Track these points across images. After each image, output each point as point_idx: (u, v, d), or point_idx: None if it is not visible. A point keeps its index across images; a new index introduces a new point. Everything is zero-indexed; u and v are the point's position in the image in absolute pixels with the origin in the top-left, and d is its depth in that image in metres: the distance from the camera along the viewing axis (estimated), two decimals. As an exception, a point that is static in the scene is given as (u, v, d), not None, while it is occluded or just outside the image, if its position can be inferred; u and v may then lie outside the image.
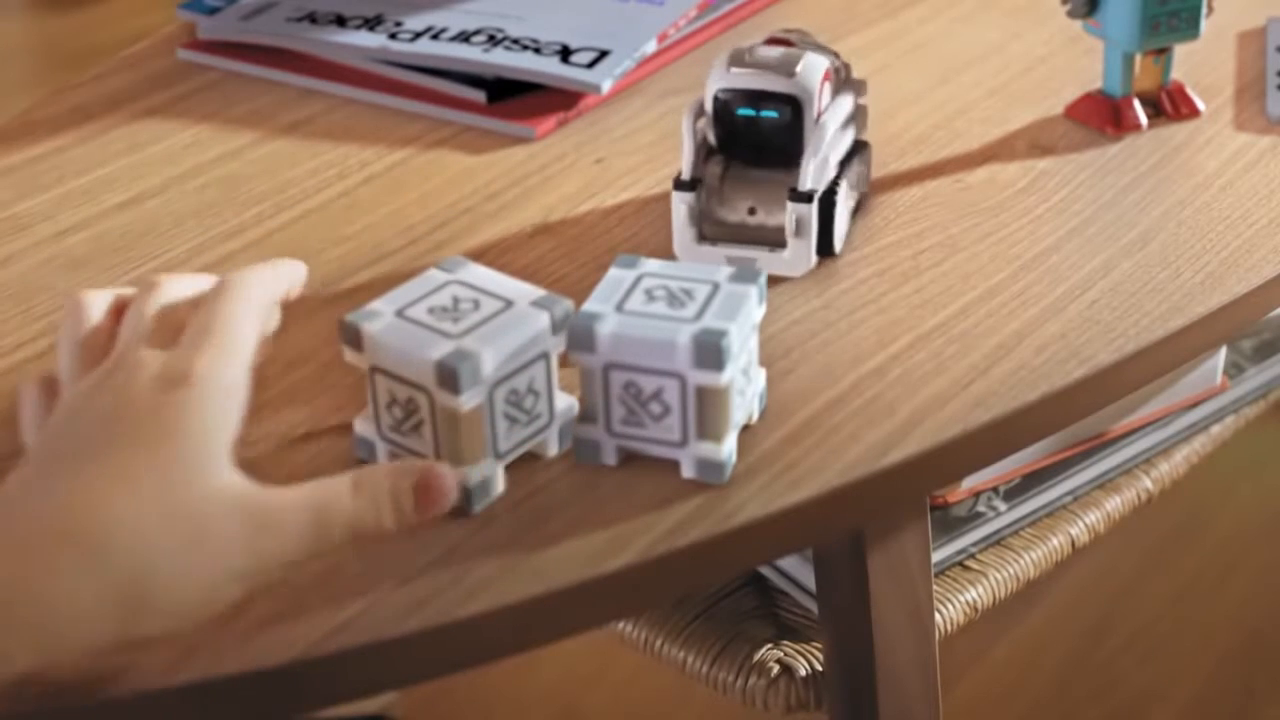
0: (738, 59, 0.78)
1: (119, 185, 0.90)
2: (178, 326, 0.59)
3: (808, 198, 0.76)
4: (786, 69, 0.77)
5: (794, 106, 0.76)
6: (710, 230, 0.79)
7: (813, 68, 0.77)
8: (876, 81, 0.99)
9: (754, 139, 0.78)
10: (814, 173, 0.77)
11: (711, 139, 0.79)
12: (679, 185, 0.78)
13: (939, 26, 1.07)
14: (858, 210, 0.83)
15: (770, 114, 0.77)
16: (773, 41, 0.80)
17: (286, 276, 0.63)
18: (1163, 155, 0.89)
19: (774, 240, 0.78)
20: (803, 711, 0.84)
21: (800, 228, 0.77)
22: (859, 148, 0.83)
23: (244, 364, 0.57)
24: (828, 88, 0.78)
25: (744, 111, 0.77)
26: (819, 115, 0.77)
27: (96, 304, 0.62)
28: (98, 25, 2.89)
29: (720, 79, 0.78)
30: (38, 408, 0.61)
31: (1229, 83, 0.97)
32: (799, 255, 0.77)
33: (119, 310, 0.62)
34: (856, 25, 1.07)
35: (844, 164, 0.80)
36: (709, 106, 0.78)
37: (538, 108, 0.96)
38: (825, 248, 0.78)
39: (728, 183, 0.78)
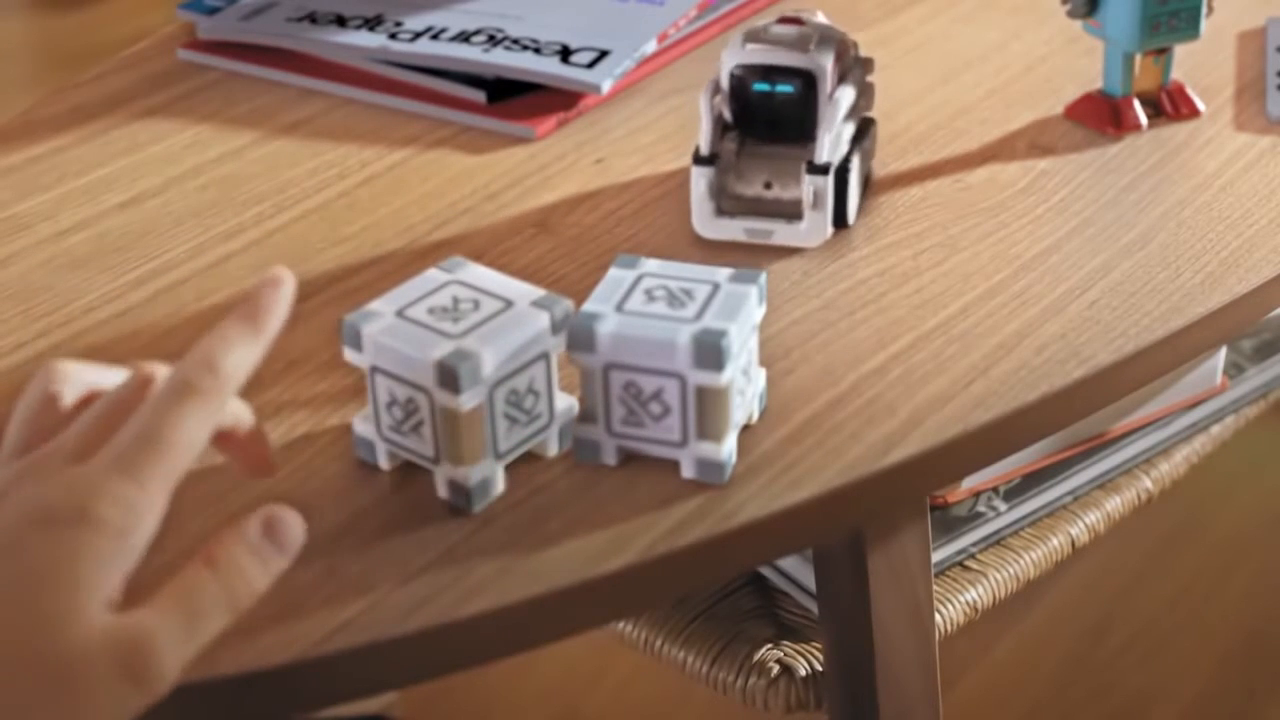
0: (753, 36, 0.80)
1: (119, 185, 0.90)
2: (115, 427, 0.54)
3: (824, 170, 0.78)
4: (801, 45, 0.79)
5: (807, 81, 0.79)
6: (728, 205, 0.81)
7: (825, 44, 0.80)
8: (876, 81, 0.99)
9: (769, 114, 0.80)
10: (829, 146, 0.79)
11: (727, 115, 0.81)
12: (698, 160, 0.80)
13: (939, 26, 1.07)
14: (865, 185, 0.85)
15: (785, 89, 0.79)
16: (785, 21, 0.82)
17: (264, 333, 0.56)
18: (1163, 155, 0.89)
19: (790, 213, 0.80)
20: (803, 711, 0.84)
21: (817, 200, 0.79)
22: (866, 124, 0.85)
23: (164, 490, 0.52)
24: (838, 65, 0.81)
25: (759, 87, 0.79)
26: (832, 91, 0.79)
27: (69, 380, 0.58)
28: (98, 25, 2.89)
29: (736, 55, 0.80)
30: None
31: (1229, 83, 0.97)
32: (815, 226, 0.79)
33: (87, 399, 0.58)
34: (856, 25, 1.07)
35: (854, 140, 0.83)
36: (724, 83, 0.80)
37: (538, 108, 0.96)
38: (840, 220, 0.81)
39: (744, 158, 0.80)
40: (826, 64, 0.79)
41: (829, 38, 0.81)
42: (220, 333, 0.55)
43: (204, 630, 0.52)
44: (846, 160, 0.81)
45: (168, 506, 0.52)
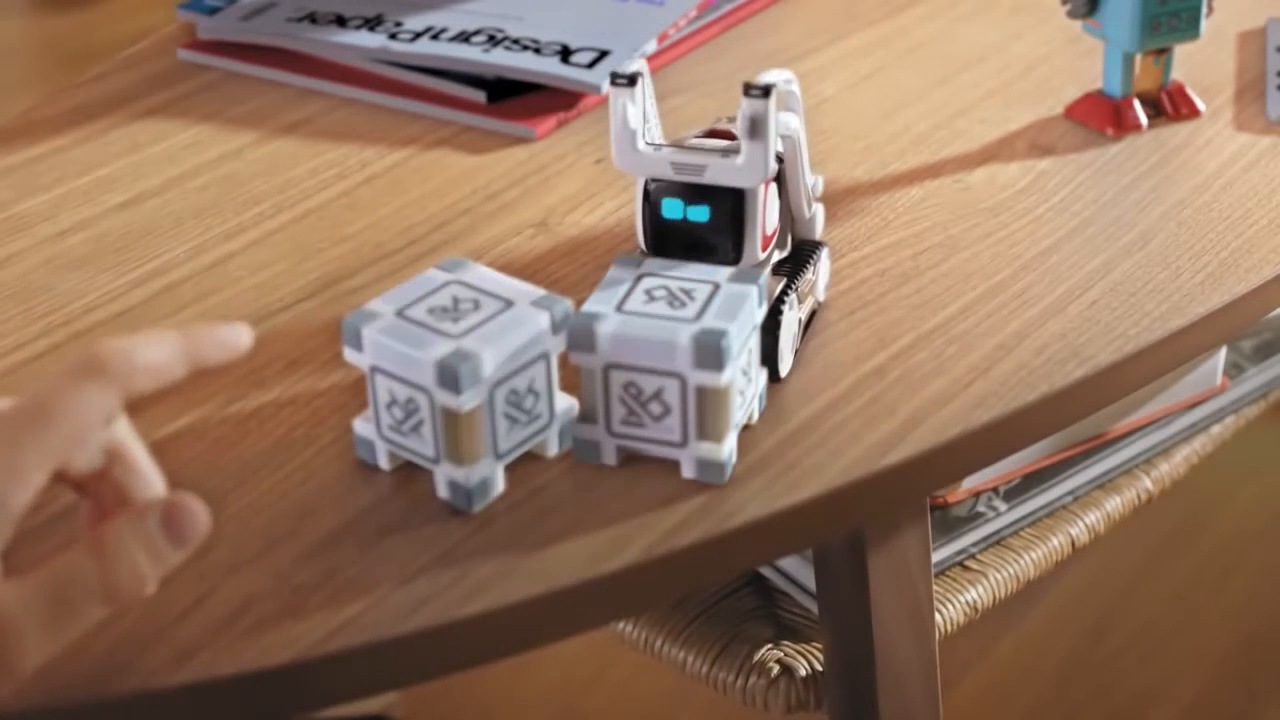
0: (675, 146, 0.70)
1: (119, 185, 0.90)
2: None
3: (765, 92, 0.66)
4: (725, 159, 0.68)
5: (735, 199, 0.68)
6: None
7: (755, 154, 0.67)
8: (876, 81, 0.99)
9: (684, 238, 0.69)
10: (773, 75, 0.68)
11: (641, 240, 0.70)
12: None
13: (939, 26, 1.07)
14: (810, 324, 0.74)
15: (699, 212, 0.69)
16: (715, 134, 0.71)
17: (196, 355, 0.54)
18: (1163, 155, 0.89)
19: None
20: (803, 711, 0.84)
21: (755, 128, 0.67)
22: (813, 249, 0.75)
23: (40, 464, 0.49)
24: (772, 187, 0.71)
25: (670, 209, 0.69)
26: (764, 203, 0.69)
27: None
28: (98, 25, 2.89)
29: (651, 165, 0.69)
30: None
31: (1229, 83, 0.97)
32: (754, 160, 0.67)
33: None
34: (856, 25, 1.07)
35: (793, 269, 0.72)
36: (638, 199, 0.70)
37: (538, 108, 0.96)
38: (770, 371, 0.69)
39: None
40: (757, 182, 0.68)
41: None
42: (155, 334, 0.53)
43: (72, 622, 0.50)
44: (779, 301, 0.69)
45: (44, 483, 0.50)
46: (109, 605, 0.50)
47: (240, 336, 0.55)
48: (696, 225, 0.69)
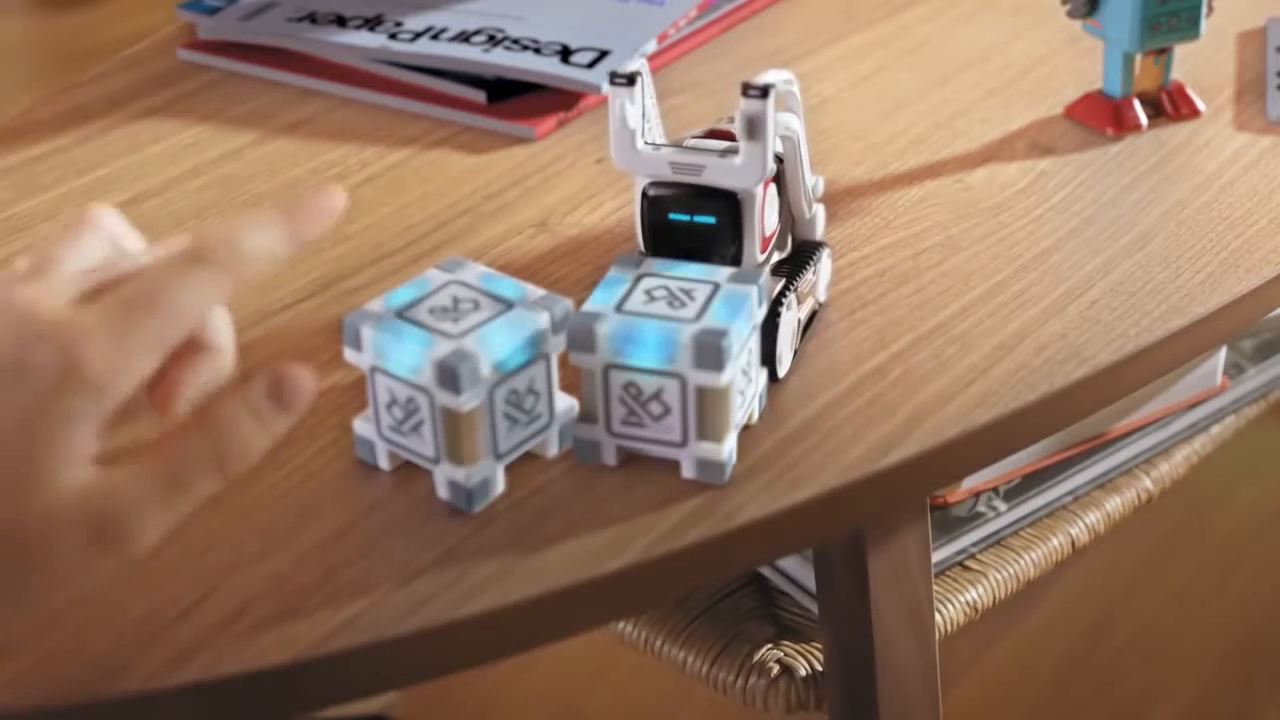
0: (675, 149, 0.69)
1: (119, 185, 0.90)
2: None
3: (763, 92, 0.66)
4: (726, 161, 0.68)
5: (732, 205, 0.68)
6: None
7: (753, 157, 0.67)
8: (876, 81, 0.99)
9: (688, 242, 0.69)
10: (771, 74, 0.68)
11: (640, 243, 0.70)
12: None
13: (939, 26, 1.07)
14: (810, 324, 0.74)
15: (705, 220, 0.68)
16: (715, 134, 0.71)
17: (299, 232, 0.54)
18: (1163, 155, 0.89)
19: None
20: (803, 711, 0.84)
21: (753, 128, 0.67)
22: (814, 250, 0.75)
23: (151, 352, 0.50)
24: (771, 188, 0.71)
25: (676, 216, 0.69)
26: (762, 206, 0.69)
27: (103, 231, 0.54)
28: (98, 25, 2.89)
29: (651, 167, 0.69)
30: None
31: (1229, 83, 0.97)
32: (752, 161, 0.67)
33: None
34: (856, 25, 1.07)
35: (792, 269, 0.72)
36: (637, 202, 0.70)
37: (538, 108, 0.96)
38: (769, 371, 0.69)
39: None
40: (755, 187, 0.68)
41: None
42: (254, 217, 0.53)
43: (189, 494, 0.50)
44: (778, 301, 0.69)
45: (150, 373, 0.50)
46: (223, 479, 0.51)
47: (334, 200, 0.55)
48: (699, 229, 0.69)
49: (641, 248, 0.70)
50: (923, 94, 0.97)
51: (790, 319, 0.70)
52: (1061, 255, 0.80)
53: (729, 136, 0.70)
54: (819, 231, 0.76)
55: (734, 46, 1.05)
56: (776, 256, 0.72)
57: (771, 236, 0.71)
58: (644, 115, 0.69)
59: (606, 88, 0.96)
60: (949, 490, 0.91)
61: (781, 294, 0.70)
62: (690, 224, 0.69)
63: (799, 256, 0.74)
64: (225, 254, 0.52)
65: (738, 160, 0.67)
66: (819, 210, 0.75)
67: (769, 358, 0.69)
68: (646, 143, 0.69)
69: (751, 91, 0.66)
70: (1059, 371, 0.71)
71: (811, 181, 0.75)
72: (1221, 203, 0.84)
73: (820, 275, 0.75)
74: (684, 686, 1.06)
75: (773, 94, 0.66)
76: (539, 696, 1.47)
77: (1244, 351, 1.06)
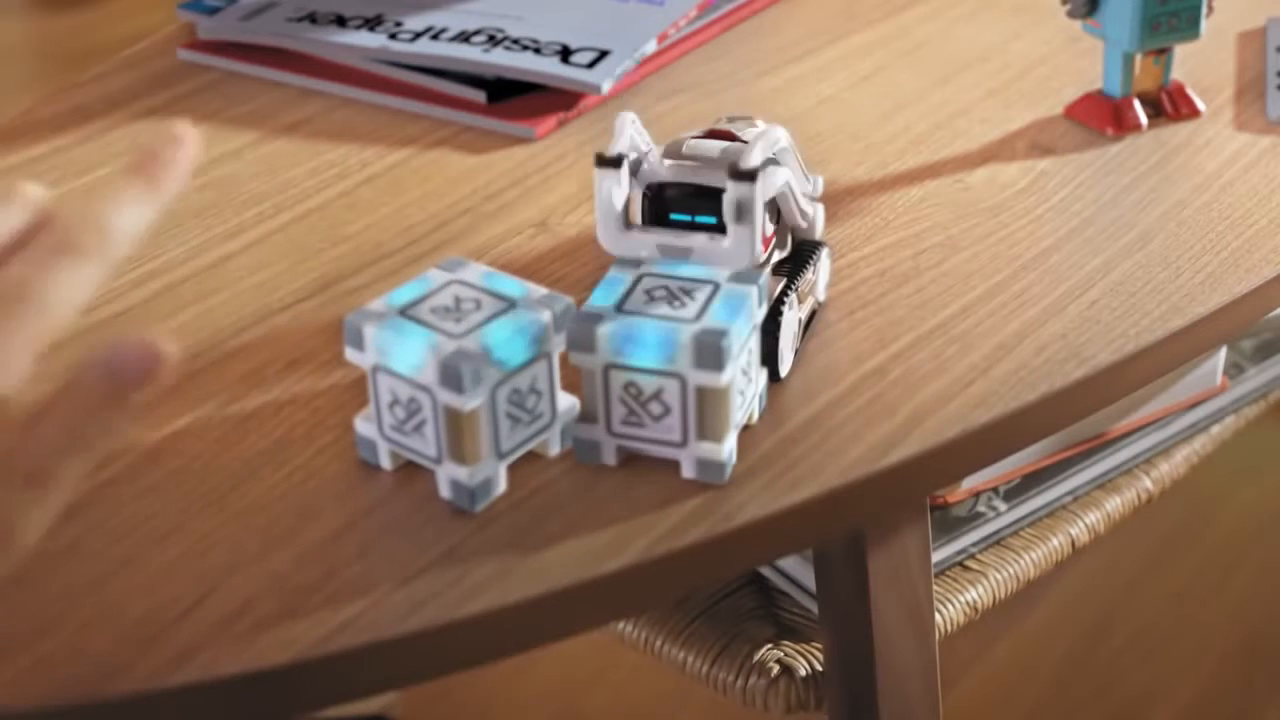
0: (673, 151, 0.70)
1: (119, 185, 0.90)
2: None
3: (750, 176, 0.65)
4: (726, 164, 0.68)
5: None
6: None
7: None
8: (877, 81, 0.99)
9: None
10: (759, 151, 0.67)
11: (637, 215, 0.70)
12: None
13: (939, 26, 1.07)
14: (810, 324, 0.74)
15: (706, 220, 0.68)
16: (714, 134, 0.71)
17: (160, 193, 0.52)
18: (1163, 155, 0.89)
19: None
20: (803, 711, 0.84)
21: (741, 212, 0.66)
22: (813, 249, 0.74)
23: (25, 350, 0.48)
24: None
25: (678, 217, 0.69)
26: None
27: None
28: (98, 25, 2.89)
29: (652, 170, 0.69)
30: None
31: (1229, 83, 0.97)
32: (740, 244, 0.67)
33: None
34: (856, 25, 1.07)
35: (793, 269, 0.72)
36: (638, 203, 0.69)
37: (538, 108, 0.96)
38: (770, 371, 0.69)
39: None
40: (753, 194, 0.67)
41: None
42: (113, 189, 0.51)
43: (59, 484, 0.48)
44: (779, 301, 0.69)
45: (30, 369, 0.48)
46: (90, 458, 0.49)
47: (184, 142, 0.53)
48: (699, 227, 0.68)
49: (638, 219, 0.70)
50: (923, 94, 0.97)
51: (791, 319, 0.70)
52: (1061, 255, 0.80)
53: (728, 136, 0.70)
54: (818, 231, 0.76)
55: (734, 46, 1.05)
56: (777, 256, 0.72)
57: (772, 236, 0.71)
58: (628, 189, 0.69)
59: (607, 88, 0.96)
60: (949, 490, 0.91)
61: (783, 294, 0.70)
62: (691, 224, 0.69)
63: (799, 256, 0.74)
64: (92, 239, 0.50)
65: (726, 243, 0.67)
66: (818, 210, 0.76)
67: (770, 357, 0.69)
68: (632, 225, 0.69)
69: (740, 175, 0.66)
70: (1059, 371, 0.71)
71: (811, 181, 0.75)
72: (1221, 203, 0.84)
73: (820, 275, 0.75)
74: (684, 686, 1.06)
75: (761, 177, 0.66)
76: (539, 696, 1.47)
77: (1244, 351, 1.06)
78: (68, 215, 0.50)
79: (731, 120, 0.71)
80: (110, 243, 0.50)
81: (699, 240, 0.68)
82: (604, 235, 0.69)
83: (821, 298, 0.76)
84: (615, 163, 0.68)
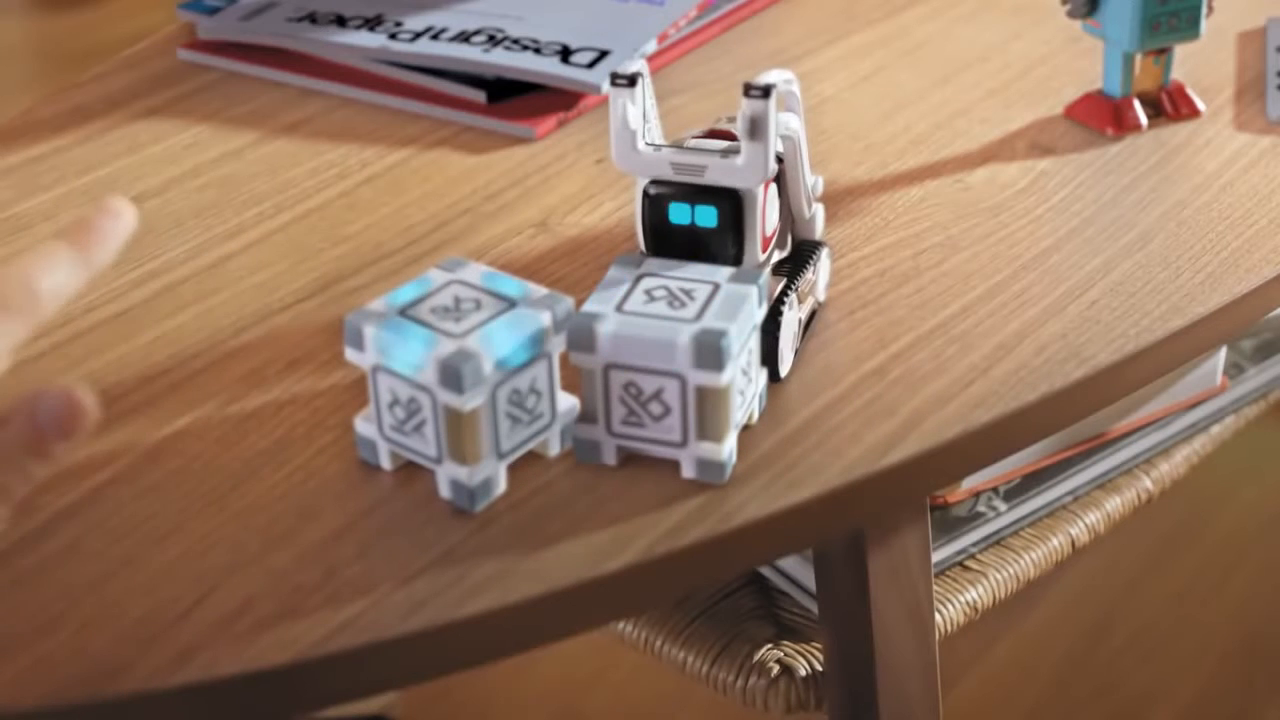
0: (676, 148, 0.69)
1: (119, 185, 0.90)
2: None
3: (765, 92, 0.66)
4: (727, 160, 0.68)
5: (734, 204, 0.68)
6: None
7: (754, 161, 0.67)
8: (876, 81, 1.00)
9: (688, 241, 0.69)
10: (775, 76, 0.67)
11: (641, 243, 0.70)
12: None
13: (939, 26, 1.07)
14: (810, 324, 0.74)
15: (707, 212, 0.68)
16: (715, 134, 0.71)
17: (91, 261, 0.52)
18: (1163, 155, 0.89)
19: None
20: (803, 711, 0.84)
21: (755, 128, 0.66)
22: (813, 249, 0.75)
23: None
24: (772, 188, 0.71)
25: (678, 213, 0.69)
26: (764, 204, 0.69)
27: None
28: (98, 25, 2.89)
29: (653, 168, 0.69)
30: None
31: (1229, 83, 0.97)
32: (754, 161, 0.67)
33: None
34: (856, 25, 1.07)
35: (793, 269, 0.72)
36: (638, 201, 0.69)
37: (538, 108, 0.96)
38: (770, 372, 0.70)
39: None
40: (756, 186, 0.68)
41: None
42: (45, 252, 0.52)
43: None
44: (780, 301, 0.70)
45: None
46: (6, 510, 0.49)
47: (121, 216, 0.54)
48: (700, 229, 0.68)
49: (642, 248, 0.70)
50: (923, 94, 0.97)
51: (791, 319, 0.70)
52: (1061, 255, 0.80)
53: (729, 136, 0.70)
54: (818, 231, 0.76)
55: (734, 46, 1.05)
56: (777, 256, 0.72)
57: (772, 236, 0.71)
58: (644, 116, 0.69)
59: (607, 88, 0.96)
60: (949, 490, 0.91)
61: (783, 294, 0.70)
62: (691, 224, 0.68)
63: (799, 256, 0.74)
64: (20, 299, 0.50)
65: (739, 160, 0.67)
66: (818, 210, 0.75)
67: (770, 357, 0.69)
68: (647, 143, 0.69)
69: (753, 92, 0.66)
70: (1059, 371, 0.71)
71: (811, 181, 0.75)
72: (1221, 203, 0.84)
73: (820, 275, 0.75)
74: (684, 686, 1.07)
75: (774, 94, 0.66)
76: (539, 696, 1.47)
77: (1244, 351, 1.06)
78: None
79: (731, 120, 0.71)
80: (37, 302, 0.51)
81: (713, 159, 0.67)
82: (618, 154, 0.69)
83: (821, 298, 0.76)
84: (631, 80, 0.68)
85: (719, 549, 0.62)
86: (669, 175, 0.68)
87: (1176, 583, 1.58)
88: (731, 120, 0.71)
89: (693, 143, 0.69)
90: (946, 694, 0.85)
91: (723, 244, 0.68)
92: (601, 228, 0.84)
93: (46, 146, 0.94)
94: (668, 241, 0.69)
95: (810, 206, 0.75)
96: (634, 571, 0.61)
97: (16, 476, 0.49)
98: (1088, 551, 0.97)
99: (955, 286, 0.77)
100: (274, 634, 0.57)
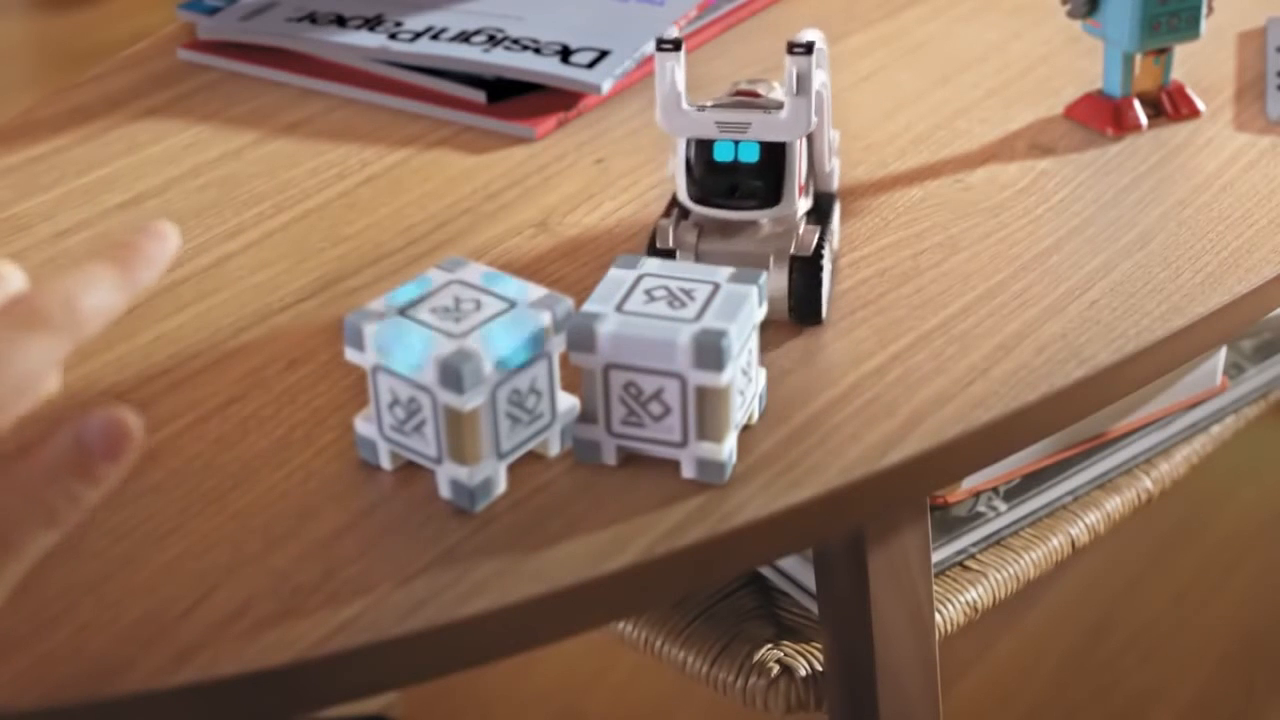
0: (716, 105, 0.74)
1: (119, 185, 0.90)
2: None
3: (808, 49, 0.71)
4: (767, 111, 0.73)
5: (773, 149, 0.72)
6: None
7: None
8: (877, 81, 1.00)
9: (731, 180, 0.73)
10: (811, 34, 0.73)
11: (682, 194, 0.74)
12: (654, 251, 0.74)
13: (939, 26, 1.07)
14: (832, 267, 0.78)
15: (750, 150, 0.72)
16: (742, 94, 0.75)
17: (134, 282, 0.53)
18: (1163, 155, 0.89)
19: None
20: (803, 711, 0.84)
21: (800, 83, 0.71)
22: (830, 201, 0.79)
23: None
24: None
25: (722, 152, 0.72)
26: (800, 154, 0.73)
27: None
28: (98, 25, 2.89)
29: (695, 124, 0.73)
30: None
31: (1229, 83, 0.97)
32: (798, 115, 0.71)
33: None
34: (856, 25, 1.07)
35: (820, 218, 0.76)
36: (681, 153, 0.73)
37: (538, 108, 0.96)
38: (814, 315, 0.74)
39: (703, 253, 0.74)
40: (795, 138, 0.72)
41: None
42: (87, 271, 0.51)
43: (19, 555, 0.48)
44: (819, 247, 0.73)
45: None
46: (55, 534, 0.49)
47: (166, 240, 0.54)
48: (742, 166, 0.72)
49: (683, 197, 0.73)
50: (923, 94, 0.97)
51: (829, 263, 0.74)
52: (1061, 255, 0.80)
53: (754, 95, 0.74)
54: (835, 183, 0.79)
55: (734, 46, 1.05)
56: (805, 205, 0.75)
57: (805, 185, 0.75)
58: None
59: (607, 87, 0.96)
60: (949, 490, 0.91)
61: (821, 239, 0.73)
62: (734, 160, 0.72)
63: (820, 208, 0.77)
64: (62, 316, 0.50)
65: (783, 114, 0.71)
66: (836, 163, 0.79)
67: (814, 301, 0.73)
68: (690, 105, 0.73)
69: (797, 49, 0.71)
70: (1059, 371, 0.71)
71: (831, 135, 0.79)
72: (1221, 203, 0.84)
73: (837, 225, 0.79)
74: (684, 686, 1.07)
75: (816, 51, 0.71)
76: (539, 696, 1.47)
77: (1244, 351, 1.06)
78: (39, 290, 0.50)
79: (752, 82, 0.75)
80: (79, 321, 0.50)
81: (756, 115, 0.72)
82: (664, 115, 0.73)
83: (837, 246, 0.79)
84: (676, 45, 0.73)
85: (719, 549, 0.62)
86: (714, 134, 0.72)
87: (1176, 583, 1.58)
88: (752, 82, 0.75)
89: (729, 101, 0.73)
90: (946, 694, 0.85)
91: (765, 180, 0.72)
92: (601, 228, 0.84)
93: (46, 146, 0.95)
94: (711, 181, 0.72)
95: (830, 159, 0.78)
96: (634, 571, 0.61)
97: (63, 499, 0.49)
98: (1088, 551, 0.97)
99: (955, 286, 0.77)
100: (274, 634, 0.57)
